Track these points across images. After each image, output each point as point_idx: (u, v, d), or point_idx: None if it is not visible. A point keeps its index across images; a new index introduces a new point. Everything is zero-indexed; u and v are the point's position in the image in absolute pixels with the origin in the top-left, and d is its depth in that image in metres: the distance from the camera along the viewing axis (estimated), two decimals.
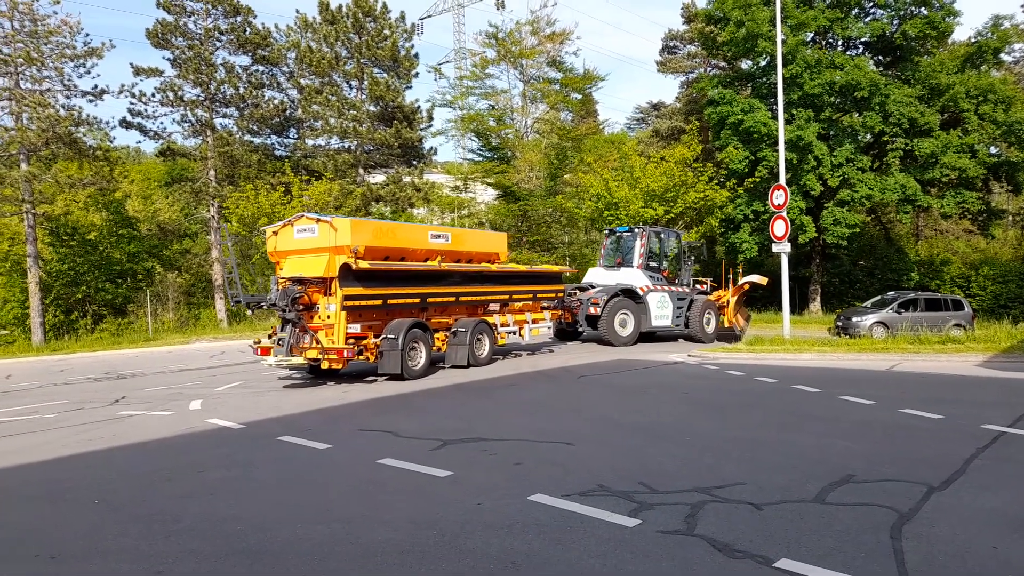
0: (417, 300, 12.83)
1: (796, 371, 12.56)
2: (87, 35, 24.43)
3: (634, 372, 13.01)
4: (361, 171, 33.11)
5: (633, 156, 29.16)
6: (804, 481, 5.71)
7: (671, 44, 47.79)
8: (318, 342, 11.44)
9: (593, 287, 18.15)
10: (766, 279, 20.60)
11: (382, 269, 12.05)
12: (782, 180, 17.93)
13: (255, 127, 31.60)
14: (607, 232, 20.55)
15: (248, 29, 30.05)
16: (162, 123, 29.29)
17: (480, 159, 37.16)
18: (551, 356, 15.64)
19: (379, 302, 12.00)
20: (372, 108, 32.46)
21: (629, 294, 17.70)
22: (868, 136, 28.65)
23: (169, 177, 38.37)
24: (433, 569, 4.20)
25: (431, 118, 34.35)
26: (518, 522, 4.89)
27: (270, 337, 12.15)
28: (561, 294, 16.88)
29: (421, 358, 12.36)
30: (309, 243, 11.81)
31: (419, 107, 33.43)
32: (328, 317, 11.66)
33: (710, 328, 18.76)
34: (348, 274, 11.45)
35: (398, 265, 12.56)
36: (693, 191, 27.04)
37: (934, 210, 29.89)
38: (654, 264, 18.68)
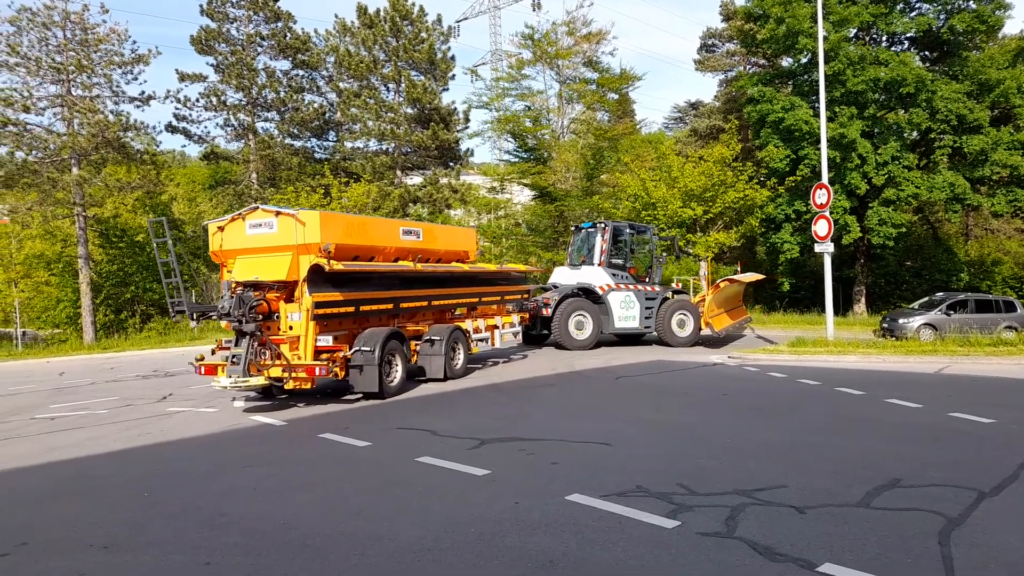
0: (390, 306, 11.30)
1: (840, 373, 12.29)
2: (134, 43, 25.01)
3: (672, 373, 12.89)
4: (399, 173, 33.46)
5: (671, 156, 28.80)
6: (848, 485, 5.60)
7: (709, 42, 47.20)
8: (281, 357, 9.70)
9: (557, 287, 17.18)
10: (759, 276, 19.75)
11: (358, 271, 10.45)
12: (824, 179, 17.53)
13: (295, 130, 32.23)
14: (575, 229, 19.10)
15: (288, 34, 30.66)
16: (206, 127, 30.09)
17: (516, 160, 37.14)
18: (587, 357, 15.48)
19: (352, 309, 10.37)
20: (409, 110, 32.77)
21: (588, 294, 16.69)
22: (914, 133, 27.88)
23: (213, 180, 39.23)
24: (470, 567, 4.24)
25: (467, 120, 34.62)
26: (555, 522, 4.90)
27: (214, 353, 10.52)
28: (526, 295, 15.89)
29: (398, 372, 10.84)
30: (266, 240, 10.08)
31: (456, 109, 33.68)
32: (291, 328, 9.92)
33: (685, 331, 16.93)
34: (319, 277, 9.76)
35: (376, 266, 11.12)
36: (732, 191, 26.63)
37: (984, 209, 28.96)
38: (618, 261, 17.38)
